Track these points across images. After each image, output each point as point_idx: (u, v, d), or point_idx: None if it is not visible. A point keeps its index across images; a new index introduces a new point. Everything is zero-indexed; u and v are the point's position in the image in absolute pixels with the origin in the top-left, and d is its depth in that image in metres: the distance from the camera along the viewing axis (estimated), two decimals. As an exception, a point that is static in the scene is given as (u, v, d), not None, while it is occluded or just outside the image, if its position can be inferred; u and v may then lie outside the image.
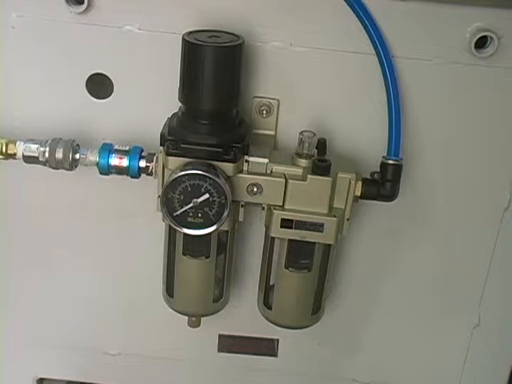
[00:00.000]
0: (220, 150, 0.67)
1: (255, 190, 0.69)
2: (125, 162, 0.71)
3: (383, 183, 0.71)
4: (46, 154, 0.70)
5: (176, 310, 0.77)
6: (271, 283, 0.76)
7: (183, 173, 0.65)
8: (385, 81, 0.69)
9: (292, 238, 0.70)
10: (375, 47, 0.68)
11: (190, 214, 0.67)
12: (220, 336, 0.88)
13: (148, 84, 0.73)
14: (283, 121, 0.74)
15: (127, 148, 0.71)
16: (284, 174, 0.69)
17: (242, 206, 0.71)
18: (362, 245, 0.81)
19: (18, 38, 0.72)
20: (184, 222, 0.67)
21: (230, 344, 0.88)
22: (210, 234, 0.68)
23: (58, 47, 0.72)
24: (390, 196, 0.71)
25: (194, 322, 0.78)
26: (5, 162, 0.71)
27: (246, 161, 0.69)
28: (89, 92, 0.74)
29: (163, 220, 0.69)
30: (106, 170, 0.71)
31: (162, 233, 0.73)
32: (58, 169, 0.71)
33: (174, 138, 0.67)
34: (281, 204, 0.69)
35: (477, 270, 0.82)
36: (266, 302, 0.76)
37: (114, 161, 0.71)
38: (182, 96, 0.68)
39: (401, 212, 0.78)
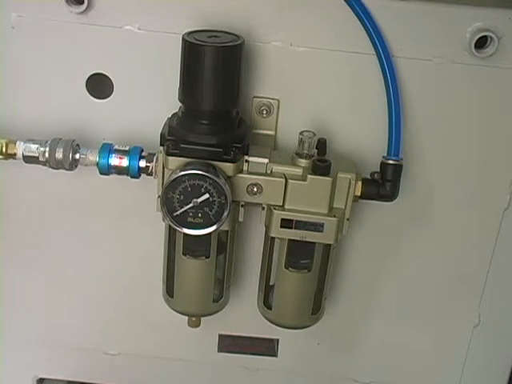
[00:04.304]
0: (220, 149, 0.67)
1: (255, 190, 0.69)
2: (125, 162, 0.71)
3: (383, 183, 0.71)
4: (46, 154, 0.70)
5: (176, 310, 0.77)
6: (271, 283, 0.76)
7: (183, 173, 0.65)
8: (385, 81, 0.69)
9: (292, 238, 0.70)
10: (375, 47, 0.68)
11: (190, 214, 0.67)
12: (220, 336, 0.88)
13: (148, 84, 0.73)
14: (283, 121, 0.74)
15: (127, 148, 0.71)
16: (284, 174, 0.69)
17: (241, 206, 0.71)
18: (362, 245, 0.81)
19: (18, 38, 0.72)
20: (184, 222, 0.67)
21: (229, 344, 0.88)
22: (209, 234, 0.68)
23: (58, 47, 0.72)
24: (390, 196, 0.71)
25: (194, 322, 0.78)
26: (5, 161, 0.71)
27: (246, 161, 0.69)
28: (89, 92, 0.74)
29: (163, 220, 0.69)
30: (106, 170, 0.71)
31: (162, 233, 0.73)
32: (58, 169, 0.71)
33: (174, 138, 0.67)
34: (281, 204, 0.69)
35: (477, 270, 0.82)
36: (266, 301, 0.76)
37: (114, 161, 0.71)
38: (181, 96, 0.68)
39: (401, 212, 0.78)
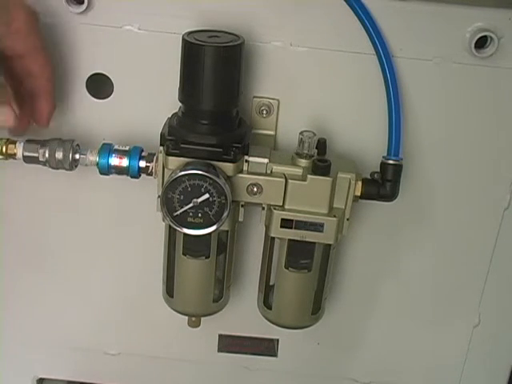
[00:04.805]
0: (220, 149, 0.67)
1: (255, 190, 0.69)
2: (125, 162, 0.71)
3: (383, 183, 0.71)
4: (46, 154, 0.70)
5: (176, 310, 0.77)
6: (271, 283, 0.76)
7: (183, 173, 0.65)
8: (385, 81, 0.69)
9: (292, 238, 0.70)
10: (375, 47, 0.68)
11: (190, 214, 0.67)
12: (220, 336, 0.88)
13: (148, 84, 0.73)
14: (283, 121, 0.74)
15: (127, 148, 0.71)
16: (284, 174, 0.69)
17: (242, 206, 0.71)
18: (362, 245, 0.81)
19: (18, 38, 0.72)
20: (184, 222, 0.67)
21: (229, 344, 0.88)
22: (209, 234, 0.68)
23: (57, 47, 0.72)
24: (390, 196, 0.71)
25: (194, 322, 0.78)
26: (5, 161, 0.71)
27: (246, 161, 0.69)
28: (89, 92, 0.74)
29: (163, 220, 0.69)
30: (106, 170, 0.71)
31: (162, 233, 0.73)
32: (58, 169, 0.71)
33: (174, 138, 0.67)
34: (281, 204, 0.69)
35: (477, 270, 0.82)
36: (266, 301, 0.76)
37: (114, 161, 0.71)
38: (181, 96, 0.68)
39: (401, 212, 0.78)
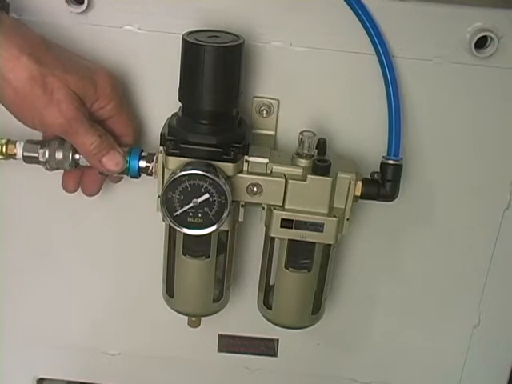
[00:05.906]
0: (220, 150, 0.67)
1: (255, 190, 0.69)
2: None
3: (383, 183, 0.71)
4: (46, 154, 0.70)
5: (176, 310, 0.77)
6: (271, 283, 0.76)
7: (183, 173, 0.65)
8: (385, 81, 0.69)
9: (292, 238, 0.70)
10: (375, 47, 0.69)
11: (190, 214, 0.67)
12: (220, 336, 0.88)
13: (148, 84, 0.73)
14: (283, 121, 0.74)
15: (127, 148, 0.71)
16: (284, 174, 0.69)
17: (242, 206, 0.71)
18: (362, 245, 0.81)
19: (18, 38, 0.71)
20: (184, 222, 0.67)
21: (230, 344, 0.88)
22: (209, 234, 0.68)
23: (57, 47, 0.72)
24: (390, 196, 0.71)
25: (194, 322, 0.78)
26: (5, 161, 0.71)
27: (246, 161, 0.69)
28: (89, 92, 0.74)
29: (163, 220, 0.69)
30: (106, 170, 0.71)
31: (162, 233, 0.73)
32: (58, 169, 0.71)
33: (174, 138, 0.67)
34: (281, 204, 0.69)
35: (477, 270, 0.82)
36: (266, 301, 0.76)
37: (114, 161, 0.71)
38: (181, 96, 0.68)
39: (401, 212, 0.78)
